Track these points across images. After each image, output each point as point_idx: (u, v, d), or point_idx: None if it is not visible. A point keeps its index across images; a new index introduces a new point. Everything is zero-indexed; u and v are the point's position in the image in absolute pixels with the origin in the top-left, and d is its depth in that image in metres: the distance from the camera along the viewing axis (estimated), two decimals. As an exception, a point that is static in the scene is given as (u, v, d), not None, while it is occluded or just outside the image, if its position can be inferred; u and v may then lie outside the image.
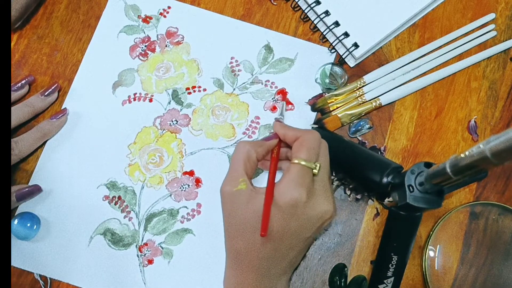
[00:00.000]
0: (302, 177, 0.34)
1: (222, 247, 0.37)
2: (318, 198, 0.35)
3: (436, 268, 0.42)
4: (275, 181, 0.35)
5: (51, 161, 0.45)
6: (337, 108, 0.46)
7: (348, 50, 0.46)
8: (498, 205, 0.43)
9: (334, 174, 0.44)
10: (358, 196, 0.43)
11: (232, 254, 0.36)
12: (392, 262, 0.39)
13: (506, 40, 0.47)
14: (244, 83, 0.47)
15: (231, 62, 0.47)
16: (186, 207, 0.44)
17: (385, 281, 0.39)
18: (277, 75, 0.47)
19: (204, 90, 0.47)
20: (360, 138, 0.45)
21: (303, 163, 0.34)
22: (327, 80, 0.46)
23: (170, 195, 0.44)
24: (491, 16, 0.48)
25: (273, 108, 0.46)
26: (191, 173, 0.45)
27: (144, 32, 0.48)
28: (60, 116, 0.45)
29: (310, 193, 0.34)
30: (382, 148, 0.45)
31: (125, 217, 0.44)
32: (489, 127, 0.46)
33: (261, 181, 0.45)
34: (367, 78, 0.46)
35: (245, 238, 0.34)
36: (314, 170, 0.35)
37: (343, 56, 0.46)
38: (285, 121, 0.46)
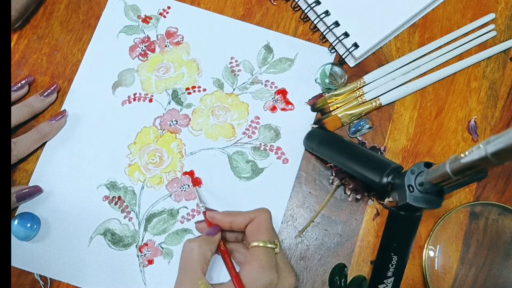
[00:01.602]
0: (268, 259, 0.34)
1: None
2: (284, 275, 0.35)
3: (436, 268, 0.42)
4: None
5: (51, 161, 0.45)
6: (337, 108, 0.46)
7: (348, 50, 0.46)
8: (498, 205, 0.43)
9: (334, 174, 0.44)
10: (358, 196, 0.43)
11: None
12: (392, 262, 0.39)
13: (506, 40, 0.47)
14: (244, 83, 0.47)
15: (231, 62, 0.47)
16: (186, 207, 0.44)
17: (385, 281, 0.39)
18: (277, 75, 0.47)
19: (204, 90, 0.47)
20: (360, 138, 0.45)
21: (264, 244, 0.34)
22: (327, 80, 0.46)
23: (170, 195, 0.44)
24: (491, 16, 0.48)
25: (273, 108, 0.46)
26: (191, 173, 0.45)
27: (144, 32, 0.48)
28: (59, 117, 0.45)
29: (278, 273, 0.34)
30: (382, 148, 0.45)
31: (125, 217, 0.44)
32: (489, 127, 0.46)
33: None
34: (367, 78, 0.46)
35: None
36: (276, 249, 0.35)
37: (343, 56, 0.46)
38: (285, 121, 0.46)
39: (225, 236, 0.40)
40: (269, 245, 0.35)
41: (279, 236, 0.43)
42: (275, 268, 0.34)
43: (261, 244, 0.34)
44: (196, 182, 0.44)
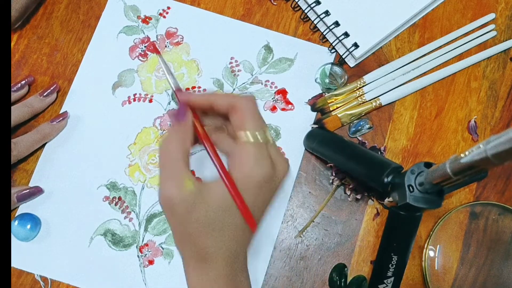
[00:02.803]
0: (260, 151, 0.30)
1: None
2: (278, 165, 0.31)
3: (436, 268, 0.42)
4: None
5: (51, 162, 0.45)
6: (337, 108, 0.46)
7: (348, 50, 0.46)
8: (498, 205, 0.43)
9: (334, 174, 0.44)
10: (358, 196, 0.43)
11: (198, 256, 0.31)
12: (392, 262, 0.39)
13: (506, 40, 0.47)
14: (244, 83, 0.47)
15: (230, 62, 0.47)
16: (186, 207, 0.44)
17: (385, 281, 0.39)
18: (277, 75, 0.47)
19: (204, 90, 0.47)
20: (360, 138, 0.45)
21: (259, 136, 0.30)
22: (327, 80, 0.46)
23: (170, 196, 0.44)
24: (491, 16, 0.48)
25: (273, 108, 0.46)
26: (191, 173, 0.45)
27: (144, 33, 0.48)
28: (60, 119, 0.45)
29: (272, 164, 0.31)
30: (382, 148, 0.45)
31: (125, 217, 0.44)
32: (489, 127, 0.46)
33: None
34: (367, 78, 0.46)
35: (213, 237, 0.30)
36: (268, 137, 0.31)
37: (343, 56, 0.46)
38: (285, 121, 0.46)
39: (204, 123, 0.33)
40: (259, 136, 0.30)
41: (278, 237, 0.43)
42: (268, 160, 0.30)
43: (250, 136, 0.30)
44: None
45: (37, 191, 0.43)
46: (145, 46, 0.48)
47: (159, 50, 0.39)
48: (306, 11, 0.48)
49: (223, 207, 0.30)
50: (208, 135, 0.32)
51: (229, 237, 0.31)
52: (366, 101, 0.46)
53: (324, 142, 0.44)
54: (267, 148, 0.31)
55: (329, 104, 0.46)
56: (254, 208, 0.31)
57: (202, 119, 0.33)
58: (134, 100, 0.47)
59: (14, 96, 0.45)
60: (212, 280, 0.32)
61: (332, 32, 0.46)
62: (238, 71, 0.47)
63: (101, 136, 0.46)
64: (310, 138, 0.45)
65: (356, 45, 0.45)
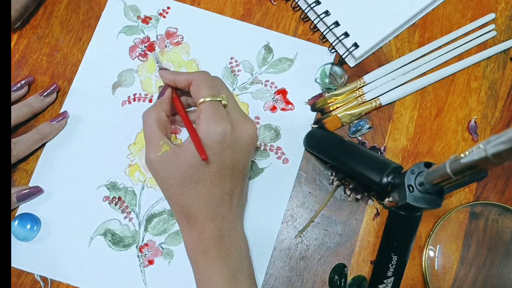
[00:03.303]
0: (216, 111, 0.35)
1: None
2: (240, 125, 0.36)
3: (436, 268, 0.42)
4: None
5: (51, 162, 0.45)
6: (337, 108, 0.46)
7: (348, 50, 0.46)
8: (498, 205, 0.43)
9: (334, 174, 0.44)
10: (358, 196, 0.43)
11: (183, 215, 0.36)
12: (392, 262, 0.39)
13: (506, 40, 0.47)
14: (244, 83, 0.47)
15: (230, 62, 0.47)
16: (186, 207, 0.44)
17: (385, 281, 0.39)
18: (277, 75, 0.47)
19: (204, 90, 0.47)
20: (360, 138, 0.45)
21: (208, 99, 0.35)
22: (327, 80, 0.46)
23: (170, 196, 0.44)
24: (491, 16, 0.48)
25: (273, 108, 0.46)
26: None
27: (144, 33, 0.48)
28: (60, 119, 0.45)
29: (232, 123, 0.35)
30: (382, 148, 0.45)
31: (125, 217, 0.44)
32: (489, 127, 0.46)
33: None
34: (367, 78, 0.46)
35: (190, 192, 0.35)
36: (223, 102, 0.36)
37: (343, 56, 0.46)
38: (285, 121, 0.46)
39: (187, 102, 0.41)
40: (211, 98, 0.35)
41: (278, 237, 0.43)
42: (224, 118, 0.35)
43: (203, 99, 0.35)
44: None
45: (37, 191, 0.43)
46: (145, 46, 0.48)
47: (157, 48, 0.47)
48: (306, 11, 0.48)
49: (194, 163, 0.34)
50: (182, 105, 0.38)
51: (205, 194, 0.35)
52: (366, 101, 0.46)
53: (324, 142, 0.44)
54: (224, 110, 0.36)
55: (329, 104, 0.46)
56: (220, 165, 0.35)
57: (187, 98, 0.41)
58: (134, 100, 0.47)
59: (14, 96, 0.45)
60: (199, 237, 0.36)
61: (332, 32, 0.46)
62: (238, 71, 0.47)
63: (101, 136, 0.46)
64: (310, 138, 0.45)
65: (356, 45, 0.45)
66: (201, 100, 0.35)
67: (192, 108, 0.42)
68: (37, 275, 0.42)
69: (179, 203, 0.35)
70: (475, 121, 0.46)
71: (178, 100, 0.39)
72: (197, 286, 0.37)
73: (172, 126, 0.44)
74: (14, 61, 0.47)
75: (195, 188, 0.35)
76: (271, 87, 0.47)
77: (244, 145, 0.36)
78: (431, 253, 0.43)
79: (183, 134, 0.46)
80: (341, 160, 0.42)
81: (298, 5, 0.48)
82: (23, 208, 0.44)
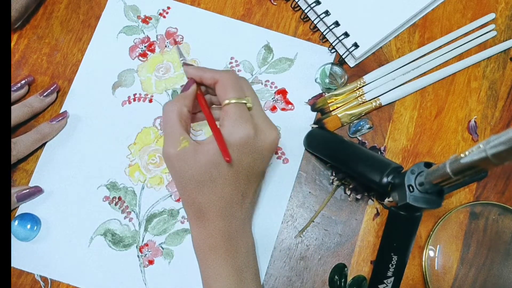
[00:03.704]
0: (241, 114, 0.34)
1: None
2: (263, 130, 0.36)
3: (436, 268, 0.42)
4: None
5: (51, 162, 0.45)
6: (337, 108, 0.46)
7: (348, 50, 0.46)
8: (498, 205, 0.43)
9: (334, 174, 0.44)
10: (358, 196, 0.43)
11: (194, 211, 0.36)
12: (392, 262, 0.39)
13: (506, 40, 0.47)
14: (244, 83, 0.47)
15: (230, 62, 0.47)
16: (186, 207, 0.44)
17: (385, 281, 0.39)
18: (277, 75, 0.47)
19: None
20: (360, 138, 0.45)
21: (234, 101, 0.35)
22: (327, 80, 0.46)
23: (171, 196, 0.44)
24: (491, 16, 0.48)
25: (273, 108, 0.46)
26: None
27: (144, 33, 0.48)
28: (60, 119, 0.45)
29: (255, 127, 0.35)
30: (382, 148, 0.45)
31: (125, 217, 0.44)
32: (489, 127, 0.46)
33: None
34: (367, 78, 0.46)
35: (204, 190, 0.35)
36: (248, 104, 0.36)
37: (343, 56, 0.46)
38: (285, 121, 0.46)
39: (211, 100, 0.40)
40: (237, 101, 0.35)
41: (278, 237, 0.43)
42: (249, 122, 0.34)
43: (230, 101, 0.35)
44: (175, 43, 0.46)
45: (37, 191, 0.43)
46: (145, 46, 0.48)
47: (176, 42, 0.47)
48: (306, 11, 0.48)
49: (213, 162, 0.34)
50: (206, 103, 0.38)
51: (220, 193, 0.35)
52: (366, 101, 0.46)
53: (324, 142, 0.44)
54: (249, 113, 0.35)
55: (329, 104, 0.46)
56: (238, 167, 0.35)
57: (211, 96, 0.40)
58: (134, 100, 0.47)
59: (14, 96, 0.45)
60: (208, 234, 0.36)
61: (332, 32, 0.46)
62: (238, 71, 0.47)
63: (101, 136, 0.46)
64: (310, 138, 0.45)
65: (356, 45, 0.45)
66: (227, 101, 0.35)
67: (214, 106, 0.42)
68: (37, 275, 0.42)
69: (191, 200, 0.36)
70: (475, 121, 0.46)
71: (203, 98, 0.38)
72: (203, 282, 0.37)
73: None
74: (14, 61, 0.47)
75: (210, 187, 0.35)
76: (271, 87, 0.47)
77: (264, 151, 0.36)
78: (431, 253, 0.43)
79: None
80: (341, 160, 0.42)
81: (298, 5, 0.48)
82: (23, 208, 0.44)
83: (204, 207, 0.35)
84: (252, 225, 0.43)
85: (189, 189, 0.35)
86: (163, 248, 0.43)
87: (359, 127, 0.45)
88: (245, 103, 0.35)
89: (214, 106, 0.41)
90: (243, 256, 0.37)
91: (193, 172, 0.34)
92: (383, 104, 0.46)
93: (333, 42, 0.47)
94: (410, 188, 0.35)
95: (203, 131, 0.46)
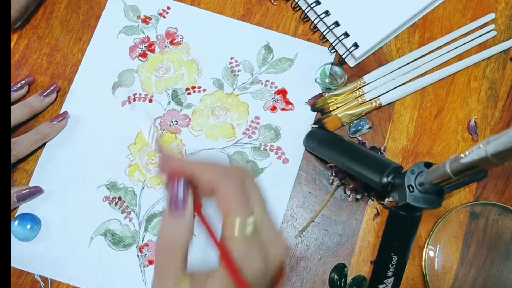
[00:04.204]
0: (247, 245, 0.27)
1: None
2: (271, 250, 0.28)
3: (436, 268, 0.42)
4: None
5: (51, 162, 0.45)
6: (337, 108, 0.46)
7: (348, 50, 0.46)
8: (498, 205, 0.43)
9: (334, 174, 0.44)
10: (358, 196, 0.43)
11: None
12: (392, 262, 0.39)
13: (506, 40, 0.47)
14: (244, 83, 0.47)
15: (230, 62, 0.47)
16: (186, 207, 0.44)
17: (385, 281, 0.39)
18: (277, 75, 0.47)
19: (204, 90, 0.47)
20: (360, 138, 0.45)
21: (242, 231, 0.26)
22: (327, 80, 0.46)
23: (170, 196, 0.44)
24: (491, 16, 0.48)
25: (273, 108, 0.46)
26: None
27: (144, 33, 0.48)
28: (60, 119, 0.45)
29: (263, 250, 0.27)
30: (382, 148, 0.45)
31: (125, 217, 0.44)
32: (489, 127, 0.46)
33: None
34: (367, 78, 0.46)
35: None
36: (257, 221, 0.27)
37: (343, 56, 0.46)
38: (285, 121, 0.46)
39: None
40: (246, 228, 0.27)
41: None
42: (258, 254, 0.27)
43: (235, 229, 0.26)
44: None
45: (37, 191, 0.43)
46: (145, 46, 0.48)
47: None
48: (306, 11, 0.48)
49: None
50: (209, 226, 0.29)
51: None
52: (366, 101, 0.46)
53: (324, 142, 0.44)
54: (257, 237, 0.27)
55: (329, 104, 0.46)
56: None
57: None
58: (134, 100, 0.47)
59: (14, 96, 0.45)
60: None
61: (332, 32, 0.46)
62: (238, 71, 0.47)
63: (101, 136, 0.46)
64: (310, 138, 0.45)
65: (356, 45, 0.45)
66: (230, 226, 0.26)
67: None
68: (37, 275, 0.42)
69: None
70: (475, 121, 0.46)
71: (204, 219, 0.28)
72: None
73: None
74: (14, 61, 0.47)
75: None
76: (271, 87, 0.47)
77: (273, 270, 0.28)
78: (431, 253, 0.43)
79: (183, 135, 0.46)
80: (341, 160, 0.42)
81: (298, 5, 0.48)
82: (23, 208, 0.44)
83: None
84: None
85: None
86: (163, 248, 0.43)
87: (359, 127, 0.45)
88: (253, 225, 0.27)
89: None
90: None
91: None
92: (383, 104, 0.46)
93: (333, 42, 0.47)
94: (410, 188, 0.35)
95: (203, 131, 0.46)
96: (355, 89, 0.46)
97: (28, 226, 0.42)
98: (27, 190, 0.43)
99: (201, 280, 0.27)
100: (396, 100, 0.46)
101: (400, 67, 0.47)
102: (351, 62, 0.47)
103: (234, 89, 0.47)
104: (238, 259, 0.26)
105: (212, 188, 0.27)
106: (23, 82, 0.46)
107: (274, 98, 0.47)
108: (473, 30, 0.48)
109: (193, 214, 0.28)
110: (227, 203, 0.27)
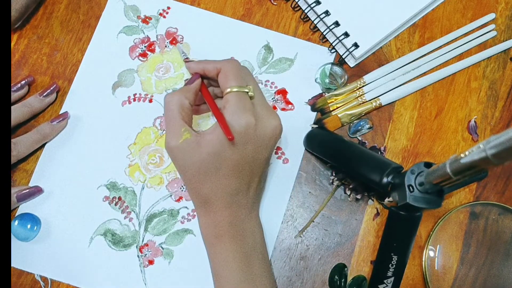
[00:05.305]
0: (242, 103, 0.35)
1: (222, 247, 0.37)
2: (264, 118, 0.36)
3: (436, 268, 0.42)
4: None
5: (51, 162, 0.45)
6: (337, 108, 0.46)
7: (348, 50, 0.46)
8: (498, 205, 0.43)
9: (334, 174, 0.44)
10: (358, 196, 0.43)
11: (200, 201, 0.37)
12: (392, 262, 0.39)
13: (506, 40, 0.47)
14: (244, 83, 0.47)
15: (231, 62, 0.47)
16: (186, 207, 0.44)
17: (385, 281, 0.39)
18: (277, 75, 0.47)
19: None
20: (360, 138, 0.45)
21: (235, 89, 0.35)
22: (327, 80, 0.46)
23: (171, 196, 0.44)
24: (491, 16, 0.48)
25: (273, 108, 0.46)
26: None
27: (144, 33, 0.48)
28: (61, 119, 0.45)
29: (256, 116, 0.35)
30: (382, 148, 0.45)
31: (125, 217, 0.44)
32: (489, 127, 0.46)
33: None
34: (367, 78, 0.46)
35: (209, 180, 0.35)
36: (249, 93, 0.36)
37: (343, 56, 0.46)
38: (285, 121, 0.46)
39: (214, 93, 0.41)
40: (238, 89, 0.35)
41: (278, 237, 0.43)
42: (249, 111, 0.35)
43: (230, 90, 0.35)
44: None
45: (37, 191, 0.43)
46: (145, 46, 0.48)
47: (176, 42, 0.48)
48: (306, 11, 0.48)
49: (215, 153, 0.34)
50: (209, 92, 0.39)
51: (224, 183, 0.35)
52: (366, 101, 0.46)
53: (324, 142, 0.44)
54: (250, 102, 0.35)
55: (329, 104, 0.46)
56: (241, 156, 0.35)
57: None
58: (134, 100, 0.47)
59: (14, 96, 0.45)
60: (214, 223, 0.36)
61: (332, 32, 0.46)
62: (238, 71, 0.47)
63: (101, 136, 0.46)
64: (310, 138, 0.45)
65: (356, 45, 0.45)
66: (228, 90, 0.35)
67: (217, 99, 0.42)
68: (37, 275, 0.42)
69: (197, 190, 0.36)
70: (475, 121, 0.46)
71: (205, 88, 0.39)
72: (212, 269, 0.37)
73: None
74: (14, 61, 0.47)
75: (213, 176, 0.35)
76: (271, 87, 0.47)
77: (266, 139, 0.36)
78: (431, 253, 0.43)
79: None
80: (341, 160, 0.42)
81: (298, 5, 0.48)
82: (23, 208, 0.44)
83: (209, 197, 0.36)
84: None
85: (193, 181, 0.36)
86: (163, 248, 0.43)
87: (359, 127, 0.45)
88: (247, 92, 0.36)
89: (217, 98, 0.42)
90: (250, 242, 0.37)
91: (196, 163, 0.35)
92: (383, 104, 0.46)
93: (333, 42, 0.47)
94: (410, 188, 0.35)
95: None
96: (355, 89, 0.46)
97: (28, 226, 0.42)
98: (27, 190, 0.43)
99: (201, 134, 0.35)
100: (396, 100, 0.46)
101: (400, 67, 0.47)
102: (351, 62, 0.47)
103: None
104: (231, 110, 0.34)
105: (217, 70, 0.37)
106: (23, 82, 0.46)
107: (274, 98, 0.47)
108: (473, 30, 0.48)
109: (196, 90, 0.38)
110: (226, 76, 0.36)
